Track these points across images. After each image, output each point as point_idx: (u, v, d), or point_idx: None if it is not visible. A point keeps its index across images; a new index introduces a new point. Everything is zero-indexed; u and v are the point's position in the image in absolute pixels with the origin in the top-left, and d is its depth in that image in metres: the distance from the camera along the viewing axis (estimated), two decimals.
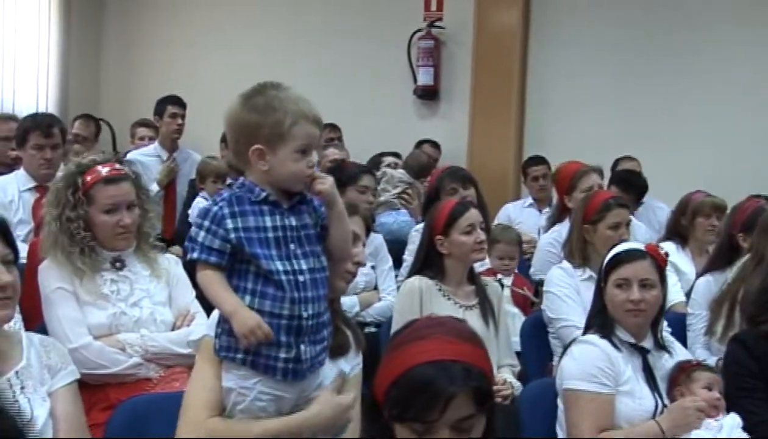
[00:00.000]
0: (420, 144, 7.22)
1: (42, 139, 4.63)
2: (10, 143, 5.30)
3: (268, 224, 2.30)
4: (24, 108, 7.96)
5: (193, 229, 2.30)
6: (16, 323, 2.79)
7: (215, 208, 2.28)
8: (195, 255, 2.26)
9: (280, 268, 2.26)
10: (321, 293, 2.33)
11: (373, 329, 4.27)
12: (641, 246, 3.05)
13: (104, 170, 3.07)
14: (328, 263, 2.40)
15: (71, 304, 2.99)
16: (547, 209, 6.24)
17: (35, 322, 3.08)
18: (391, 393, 1.72)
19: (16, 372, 2.22)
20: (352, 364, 2.56)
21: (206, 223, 2.26)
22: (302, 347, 2.29)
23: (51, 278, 3.02)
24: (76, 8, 8.63)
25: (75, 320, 2.97)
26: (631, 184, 5.55)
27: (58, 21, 8.45)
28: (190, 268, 2.52)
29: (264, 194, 2.30)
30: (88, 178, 3.05)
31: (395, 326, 3.56)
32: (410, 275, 3.74)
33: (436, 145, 7.36)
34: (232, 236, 2.25)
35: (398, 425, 1.72)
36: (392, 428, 1.74)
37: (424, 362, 1.70)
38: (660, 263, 2.96)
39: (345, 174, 4.71)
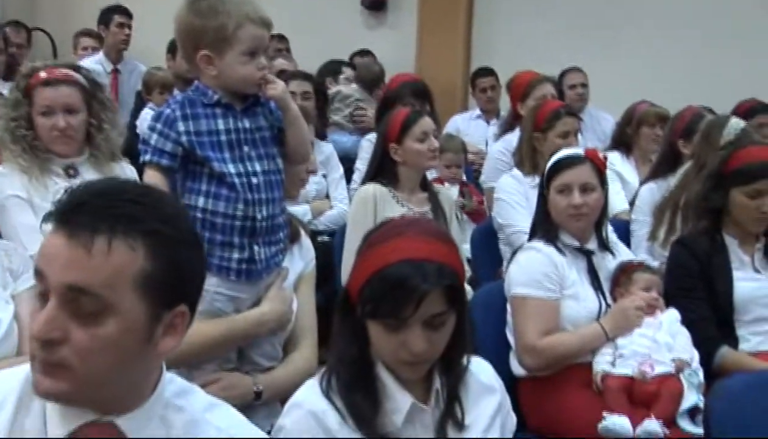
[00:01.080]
0: (353, 56, 7.11)
1: None
2: None
3: (221, 126, 2.31)
4: None
5: (146, 131, 2.32)
6: None
7: (168, 111, 2.30)
8: (147, 157, 2.29)
9: (233, 170, 2.29)
10: (276, 195, 2.37)
11: (325, 238, 4.32)
12: (581, 151, 3.11)
13: (44, 73, 3.08)
14: (284, 166, 2.43)
15: (26, 211, 2.98)
16: (494, 121, 6.31)
17: None
18: (365, 291, 1.76)
19: None
20: (305, 260, 2.62)
21: (158, 125, 2.28)
22: (256, 248, 2.33)
23: (4, 185, 3.00)
24: None
25: (30, 227, 2.95)
26: None
27: None
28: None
29: (216, 97, 2.32)
30: (32, 80, 3.07)
31: (349, 233, 3.64)
32: (364, 182, 3.79)
33: (370, 53, 7.30)
34: (184, 139, 2.27)
35: (371, 322, 1.77)
36: (365, 325, 1.78)
37: (398, 261, 1.73)
38: (599, 166, 3.02)
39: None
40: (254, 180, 2.32)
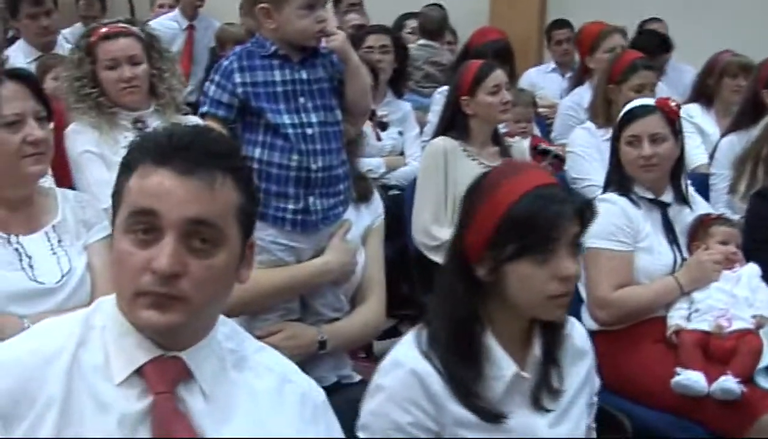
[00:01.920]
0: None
1: (33, 7, 4.58)
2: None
3: (277, 78, 2.33)
4: None
5: (206, 84, 2.35)
6: (46, 182, 2.83)
7: (225, 63, 2.34)
8: (205, 108, 2.34)
9: (288, 121, 2.31)
10: (333, 146, 2.37)
11: (396, 192, 4.32)
12: (651, 101, 3.03)
13: (105, 29, 3.14)
14: (344, 116, 2.42)
15: (98, 165, 3.04)
16: (570, 74, 6.18)
17: (66, 185, 3.12)
18: (500, 235, 1.69)
19: (53, 226, 2.27)
20: (374, 214, 2.62)
21: (216, 77, 2.32)
22: (311, 198, 2.35)
23: (77, 141, 3.06)
24: None
25: (103, 181, 2.98)
26: (655, 46, 5.44)
27: None
28: None
29: (273, 48, 2.33)
30: (92, 38, 3.12)
31: (419, 187, 3.62)
32: (435, 135, 3.76)
33: (440, 6, 7.19)
34: (240, 90, 2.30)
35: (512, 267, 1.70)
36: (481, 283, 1.73)
37: (528, 191, 1.69)
38: (671, 115, 2.94)
39: (356, 37, 4.66)
40: (309, 131, 2.33)
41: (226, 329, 1.47)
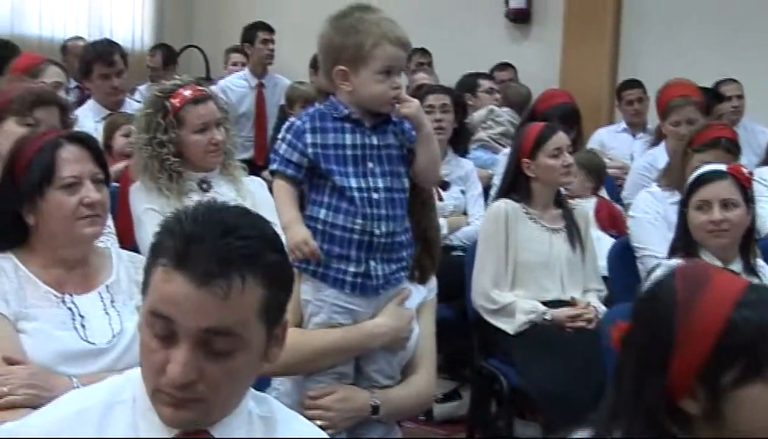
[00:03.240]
0: (494, 69, 7.02)
1: (106, 68, 4.71)
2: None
3: (348, 141, 2.34)
4: (121, 37, 8.13)
5: (277, 141, 2.37)
6: (108, 241, 2.87)
7: (298, 122, 2.35)
8: (274, 166, 2.35)
9: (354, 184, 2.31)
10: (398, 212, 2.36)
11: (459, 253, 4.29)
12: (723, 167, 2.96)
13: (189, 92, 3.12)
14: (412, 182, 2.42)
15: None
16: (641, 134, 6.11)
17: (128, 243, 3.17)
18: (717, 357, 1.36)
19: (107, 286, 2.29)
20: (428, 287, 2.59)
21: (288, 136, 2.34)
22: (372, 263, 2.33)
23: (141, 199, 3.11)
24: None
25: None
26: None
27: None
28: None
29: (346, 112, 2.35)
30: (176, 100, 3.10)
31: (480, 249, 3.58)
32: (497, 198, 3.73)
33: (511, 66, 7.19)
34: (310, 150, 2.31)
35: (738, 392, 1.37)
36: (709, 413, 1.38)
37: (738, 299, 1.38)
38: (743, 182, 2.87)
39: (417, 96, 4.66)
40: (375, 196, 2.33)
41: (253, 395, 1.46)
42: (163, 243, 1.34)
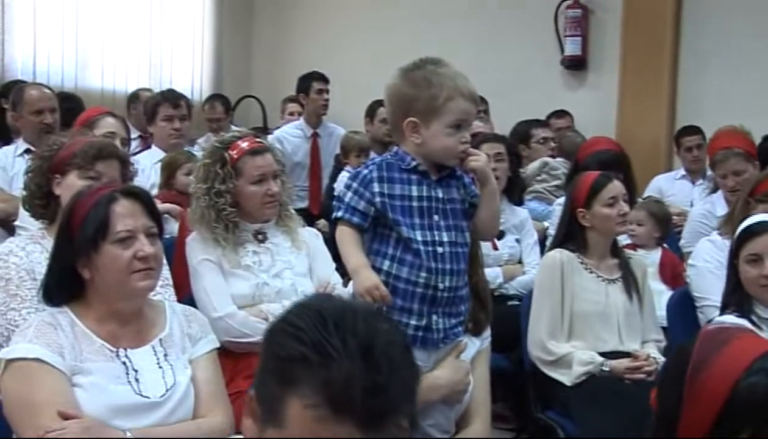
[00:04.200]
0: (550, 116, 7.01)
1: (171, 110, 4.82)
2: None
3: (414, 193, 2.35)
4: (181, 88, 8.28)
5: (342, 189, 2.40)
6: (166, 292, 2.90)
7: (365, 171, 2.37)
8: (339, 214, 2.36)
9: (420, 237, 2.31)
10: (461, 267, 2.36)
11: (515, 303, 4.24)
12: None
13: (246, 143, 3.15)
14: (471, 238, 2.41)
15: (216, 274, 3.08)
16: (700, 181, 6.02)
17: (184, 291, 3.20)
18: (725, 421, 1.36)
19: (160, 340, 2.31)
20: (482, 337, 2.57)
21: (354, 184, 2.35)
22: (434, 317, 2.33)
23: (197, 249, 3.12)
24: None
25: (220, 289, 3.06)
26: None
27: (212, 3, 8.74)
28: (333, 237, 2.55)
29: (414, 163, 2.36)
30: (234, 152, 3.12)
31: (536, 300, 3.54)
32: (552, 247, 3.69)
33: (568, 114, 7.15)
34: (377, 199, 2.32)
35: None
36: None
37: (748, 368, 1.36)
38: None
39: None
40: (440, 250, 2.33)
41: None
42: (307, 374, 1.17)
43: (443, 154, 2.36)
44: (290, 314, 1.26)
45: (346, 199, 2.37)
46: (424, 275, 2.31)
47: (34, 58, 7.09)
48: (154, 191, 4.56)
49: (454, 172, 2.42)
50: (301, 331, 1.20)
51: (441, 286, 2.33)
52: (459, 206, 2.42)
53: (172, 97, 4.93)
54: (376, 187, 2.34)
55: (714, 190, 5.00)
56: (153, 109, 4.92)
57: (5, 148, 4.58)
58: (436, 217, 2.36)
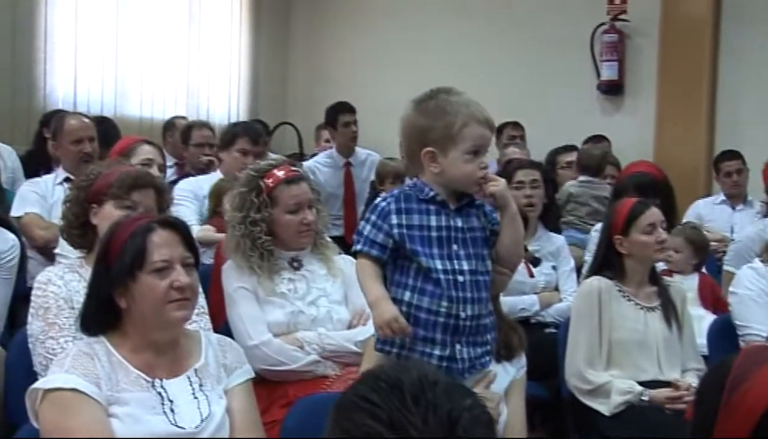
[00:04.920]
0: (587, 141, 6.97)
1: (249, 145, 4.82)
2: (203, 149, 5.58)
3: (433, 223, 2.34)
4: (217, 115, 8.39)
5: (361, 222, 2.39)
6: (201, 320, 2.90)
7: (383, 203, 2.37)
8: (358, 247, 2.36)
9: (440, 267, 2.30)
10: (483, 295, 2.34)
11: (552, 330, 4.21)
12: None
13: (282, 172, 3.15)
14: (494, 265, 2.39)
15: (251, 302, 3.08)
16: (741, 206, 5.95)
17: (220, 321, 3.20)
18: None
19: (195, 370, 2.31)
20: (517, 366, 2.55)
21: (372, 217, 2.35)
22: (458, 346, 2.31)
23: (232, 277, 3.13)
24: (265, 19, 8.99)
25: (255, 317, 3.06)
26: None
27: (249, 31, 8.85)
28: None
29: (432, 193, 2.35)
30: (269, 180, 3.13)
31: (573, 328, 3.50)
32: (589, 275, 3.66)
33: (605, 139, 7.10)
34: (395, 231, 2.31)
35: None
36: None
37: None
38: None
39: (500, 174, 4.61)
40: (460, 278, 2.32)
41: None
42: None
43: (463, 181, 2.35)
44: (362, 386, 1.18)
45: (365, 232, 2.36)
46: (445, 304, 2.30)
47: (75, 87, 7.21)
48: None
49: (474, 202, 2.41)
50: (376, 407, 1.12)
51: (463, 314, 2.31)
52: (479, 234, 2.40)
53: (253, 133, 4.87)
54: (394, 219, 2.34)
55: (766, 215, 4.95)
56: (232, 138, 4.88)
57: (45, 176, 4.63)
58: (455, 247, 2.35)
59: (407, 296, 2.33)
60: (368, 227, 2.37)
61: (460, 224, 2.37)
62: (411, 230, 2.34)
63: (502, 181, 2.41)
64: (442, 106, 2.35)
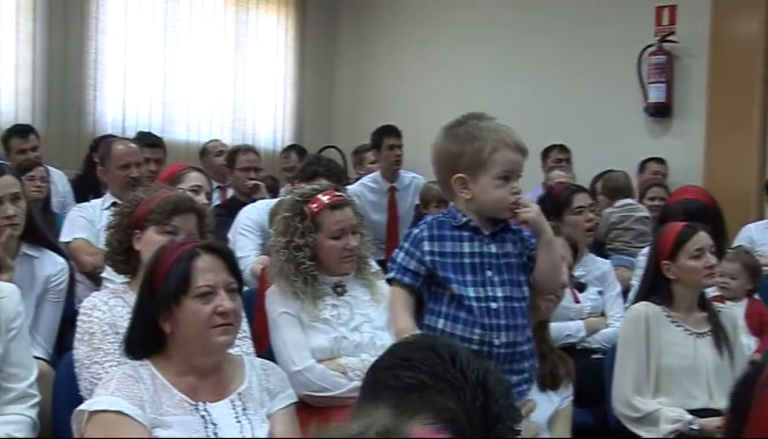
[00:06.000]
0: (645, 162, 6.92)
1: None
2: (249, 173, 5.62)
3: (466, 249, 2.33)
4: (263, 139, 8.46)
5: (395, 250, 2.38)
6: (244, 345, 2.91)
7: (416, 231, 2.37)
8: (391, 274, 2.37)
9: (472, 294, 2.29)
10: (519, 322, 2.32)
11: (599, 356, 4.14)
12: None
13: (327, 198, 3.16)
14: (534, 289, 2.37)
15: (295, 328, 3.08)
16: None
17: (264, 346, 3.20)
18: None
19: (239, 394, 2.32)
20: (562, 396, 2.51)
21: (406, 245, 2.35)
22: None
23: (276, 303, 3.13)
24: (310, 44, 9.07)
25: (299, 343, 3.05)
26: None
27: (294, 56, 8.94)
28: None
29: (465, 220, 2.34)
30: (314, 206, 3.12)
31: (620, 354, 3.45)
32: (636, 300, 3.60)
33: (661, 161, 7.03)
34: (427, 258, 2.31)
35: None
36: None
37: None
38: None
39: (556, 199, 4.57)
40: (494, 305, 2.30)
41: None
42: (428, 401, 1.24)
43: (494, 207, 2.34)
44: (397, 350, 1.35)
45: (398, 260, 2.37)
46: (478, 331, 2.29)
47: (124, 112, 7.32)
48: None
49: (509, 227, 2.38)
50: (416, 362, 1.27)
51: (497, 342, 2.29)
52: (515, 260, 2.38)
53: (335, 175, 4.62)
54: (426, 246, 2.33)
55: None
56: (312, 175, 4.81)
57: (94, 201, 4.68)
58: (489, 273, 2.33)
59: (441, 323, 2.32)
60: (401, 255, 2.37)
61: (494, 249, 2.35)
62: (443, 257, 2.33)
63: (535, 207, 2.38)
64: (472, 132, 2.34)
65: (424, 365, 1.28)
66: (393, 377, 1.29)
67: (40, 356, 3.28)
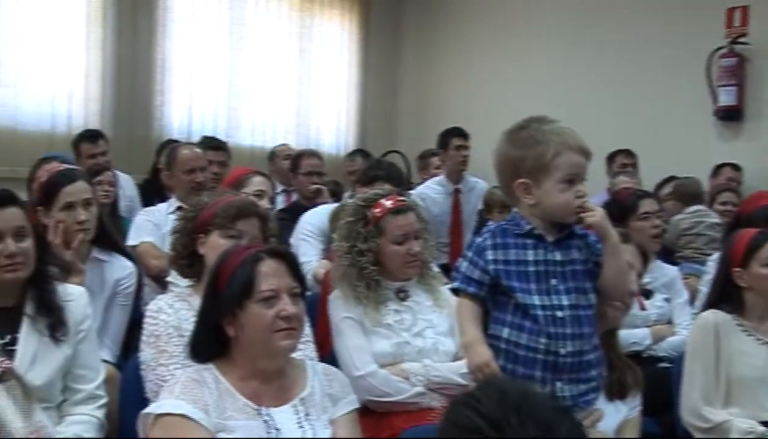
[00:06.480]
0: (719, 167, 6.79)
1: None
2: (312, 178, 5.65)
3: (530, 257, 2.29)
4: (326, 144, 8.50)
5: (459, 259, 2.36)
6: (306, 349, 2.91)
7: (479, 239, 2.34)
8: (456, 284, 2.35)
9: (537, 302, 2.25)
10: (585, 330, 2.27)
11: (666, 365, 4.06)
12: None
13: (390, 202, 3.15)
14: (601, 296, 2.32)
15: (358, 333, 3.07)
16: None
17: (326, 350, 3.20)
18: None
19: (301, 399, 2.32)
20: (630, 405, 2.46)
21: (469, 254, 2.33)
22: (559, 384, 2.24)
23: (339, 307, 3.13)
24: (374, 50, 9.10)
25: (361, 348, 3.05)
26: None
27: (358, 62, 8.98)
28: None
29: (528, 227, 2.31)
30: (377, 210, 3.12)
31: (688, 363, 3.37)
32: (705, 308, 3.52)
33: (737, 167, 6.88)
34: (491, 267, 2.28)
35: None
36: None
37: None
38: None
39: (622, 205, 4.49)
40: (559, 314, 2.26)
41: None
42: None
43: (559, 212, 2.29)
44: (476, 389, 1.34)
45: (462, 269, 2.35)
46: (543, 340, 2.25)
47: (190, 117, 7.41)
48: None
49: (574, 233, 2.34)
50: (480, 404, 1.26)
51: (563, 351, 2.25)
52: (580, 267, 2.33)
53: (395, 179, 4.52)
54: (489, 255, 2.30)
55: None
56: (372, 179, 4.75)
57: (160, 205, 4.74)
58: (554, 281, 2.29)
59: (506, 332, 2.28)
60: (465, 264, 2.34)
61: (558, 257, 2.31)
62: (507, 266, 2.30)
63: (600, 210, 2.33)
64: (534, 136, 2.29)
65: (486, 407, 1.27)
66: (457, 413, 1.31)
67: (107, 358, 3.33)
